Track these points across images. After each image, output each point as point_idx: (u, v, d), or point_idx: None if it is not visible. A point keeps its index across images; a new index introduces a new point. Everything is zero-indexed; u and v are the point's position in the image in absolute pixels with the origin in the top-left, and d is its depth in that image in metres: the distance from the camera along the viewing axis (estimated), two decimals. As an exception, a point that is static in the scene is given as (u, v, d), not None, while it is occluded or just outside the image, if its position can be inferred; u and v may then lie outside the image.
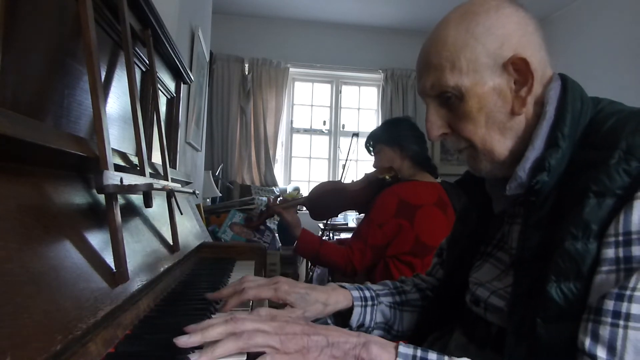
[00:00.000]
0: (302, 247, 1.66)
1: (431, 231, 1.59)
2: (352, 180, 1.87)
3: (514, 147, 0.67)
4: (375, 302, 0.87)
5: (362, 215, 1.81)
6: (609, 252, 0.54)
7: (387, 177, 1.71)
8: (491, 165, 0.69)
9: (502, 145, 0.67)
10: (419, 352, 0.56)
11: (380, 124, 1.90)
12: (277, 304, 0.77)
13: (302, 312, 0.76)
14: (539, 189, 0.61)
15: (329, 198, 1.76)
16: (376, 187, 1.71)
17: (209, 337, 0.53)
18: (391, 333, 0.89)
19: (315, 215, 1.80)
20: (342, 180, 1.90)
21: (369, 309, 0.85)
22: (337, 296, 0.82)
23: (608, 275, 0.54)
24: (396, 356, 0.55)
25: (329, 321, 0.87)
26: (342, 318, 0.86)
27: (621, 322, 0.51)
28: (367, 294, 0.86)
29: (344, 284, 0.87)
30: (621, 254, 0.53)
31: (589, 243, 0.55)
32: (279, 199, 1.83)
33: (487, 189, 0.78)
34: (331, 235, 3.66)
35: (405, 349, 0.56)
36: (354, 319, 0.84)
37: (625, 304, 0.51)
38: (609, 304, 0.52)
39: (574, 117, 0.63)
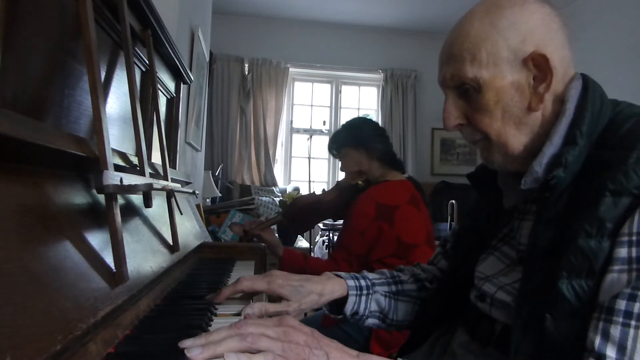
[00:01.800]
0: (287, 265, 1.63)
1: (410, 230, 1.59)
2: (323, 190, 1.86)
3: (529, 142, 0.67)
4: (371, 291, 0.87)
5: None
6: (622, 252, 0.54)
7: (359, 182, 1.70)
8: (504, 158, 0.69)
9: (516, 139, 0.67)
10: None
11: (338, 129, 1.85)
12: (275, 298, 0.78)
13: (297, 305, 0.77)
14: (554, 184, 0.61)
15: (304, 212, 1.75)
16: (350, 193, 1.71)
17: (212, 340, 0.52)
18: (386, 322, 0.90)
19: (294, 230, 1.81)
20: (314, 191, 1.88)
21: (363, 298, 0.86)
22: (333, 285, 0.84)
23: (620, 274, 0.54)
24: None
25: (325, 309, 0.87)
26: (337, 306, 0.87)
27: (633, 322, 0.51)
28: (363, 282, 0.87)
29: (339, 272, 0.88)
30: (634, 254, 0.53)
31: (602, 241, 0.56)
32: (257, 219, 1.82)
33: (499, 184, 0.78)
34: (331, 235, 3.67)
35: None
36: (348, 308, 0.85)
37: (637, 304, 0.51)
38: (621, 304, 0.52)
39: (593, 116, 0.63)
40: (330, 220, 2.91)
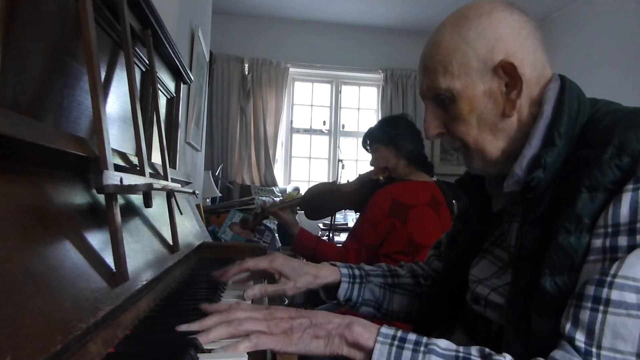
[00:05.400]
0: (300, 244, 1.69)
1: (423, 231, 1.61)
2: (347, 181, 1.89)
3: (506, 147, 0.68)
4: (364, 280, 0.92)
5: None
6: (597, 242, 0.56)
7: (380, 177, 1.73)
8: (483, 163, 0.71)
9: (493, 145, 0.69)
10: (399, 333, 0.58)
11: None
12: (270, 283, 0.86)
13: (293, 284, 0.83)
14: (535, 185, 0.62)
15: (323, 199, 1.80)
16: (370, 188, 1.74)
17: (205, 326, 0.59)
18: (380, 311, 0.94)
19: (310, 215, 1.84)
20: (338, 181, 1.91)
21: (356, 286, 0.91)
22: (326, 271, 0.90)
23: (594, 264, 0.55)
24: (377, 335, 0.57)
25: (322, 295, 0.93)
26: (332, 292, 0.92)
27: (601, 307, 0.52)
28: (357, 272, 0.92)
29: (335, 262, 0.94)
30: (608, 244, 0.55)
31: (581, 237, 0.57)
32: (274, 200, 1.86)
33: (487, 187, 0.79)
34: (331, 235, 3.66)
35: (386, 330, 0.58)
36: (341, 293, 0.90)
37: (605, 290, 0.52)
38: (590, 289, 0.53)
39: (571, 116, 0.64)
40: (328, 219, 2.91)
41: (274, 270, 0.84)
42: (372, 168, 1.82)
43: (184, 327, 0.59)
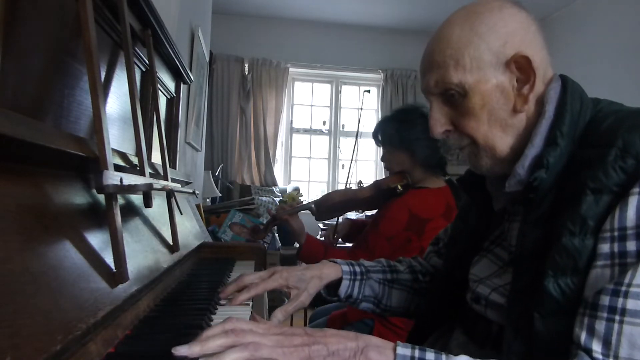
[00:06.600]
0: (307, 254, 1.65)
1: None
2: (360, 184, 1.85)
3: (515, 144, 0.68)
4: (365, 277, 0.92)
5: (363, 213, 1.80)
6: (604, 247, 0.55)
7: (399, 186, 1.66)
8: (492, 161, 0.70)
9: (503, 142, 0.68)
10: (416, 353, 0.56)
11: (389, 115, 1.77)
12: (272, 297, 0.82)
13: (306, 292, 0.83)
14: (537, 185, 0.62)
15: (335, 204, 1.77)
16: (386, 194, 1.68)
17: (209, 350, 0.52)
18: (380, 307, 0.95)
19: (320, 218, 1.81)
20: (348, 183, 1.87)
21: (357, 283, 0.91)
22: (329, 269, 0.90)
23: (603, 269, 0.55)
24: (395, 358, 0.55)
25: (323, 293, 0.92)
26: (333, 289, 0.92)
27: (617, 317, 0.52)
28: (357, 269, 0.92)
29: (336, 259, 0.94)
30: (616, 249, 0.54)
31: (585, 239, 0.57)
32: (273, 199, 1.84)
33: (488, 187, 0.79)
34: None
35: (403, 350, 0.56)
36: (342, 290, 0.90)
37: (621, 299, 0.52)
38: (605, 299, 0.53)
39: (573, 116, 0.64)
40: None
41: (282, 286, 0.83)
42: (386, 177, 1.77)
43: (182, 351, 0.51)
